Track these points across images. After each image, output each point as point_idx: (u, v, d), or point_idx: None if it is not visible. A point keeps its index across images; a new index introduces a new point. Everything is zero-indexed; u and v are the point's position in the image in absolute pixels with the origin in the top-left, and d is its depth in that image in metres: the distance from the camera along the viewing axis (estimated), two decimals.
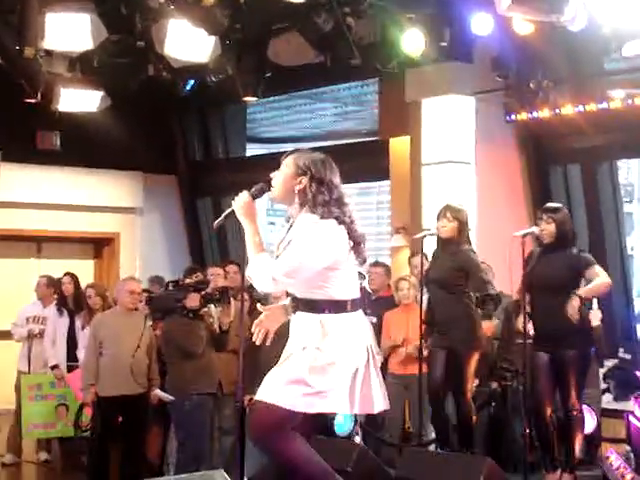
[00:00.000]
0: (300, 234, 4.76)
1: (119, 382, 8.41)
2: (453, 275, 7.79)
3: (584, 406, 7.68)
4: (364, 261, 4.97)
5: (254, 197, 4.92)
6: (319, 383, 4.66)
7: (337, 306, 4.78)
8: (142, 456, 8.77)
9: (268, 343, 5.11)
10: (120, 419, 8.58)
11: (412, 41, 9.12)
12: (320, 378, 4.66)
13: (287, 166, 4.90)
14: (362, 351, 4.76)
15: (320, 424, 5.31)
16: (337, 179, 4.90)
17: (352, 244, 4.83)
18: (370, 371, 4.78)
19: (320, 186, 4.81)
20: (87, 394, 8.62)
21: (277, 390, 4.71)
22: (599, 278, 7.35)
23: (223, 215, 5.05)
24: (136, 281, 9.07)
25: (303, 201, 4.83)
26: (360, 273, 5.05)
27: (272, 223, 15.91)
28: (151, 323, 8.95)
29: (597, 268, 7.39)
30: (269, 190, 4.95)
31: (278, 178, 4.92)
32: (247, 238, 4.87)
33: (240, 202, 4.90)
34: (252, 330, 5.11)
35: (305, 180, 4.83)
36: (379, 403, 4.84)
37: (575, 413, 7.35)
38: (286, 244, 4.83)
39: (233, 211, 4.94)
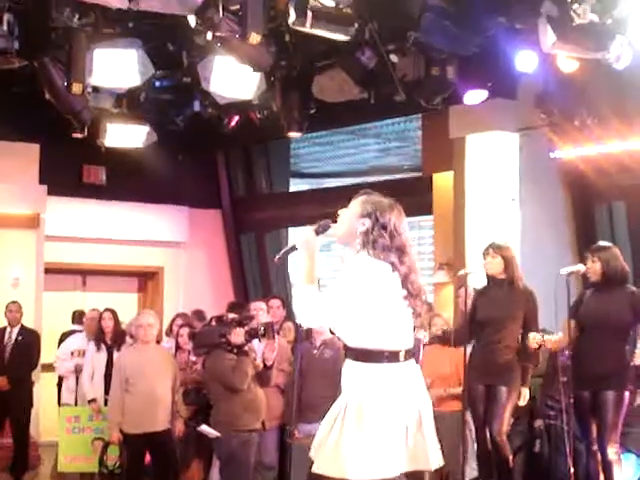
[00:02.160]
0: (349, 272, 4.69)
1: (145, 419, 8.44)
2: (516, 315, 7.76)
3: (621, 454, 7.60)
4: (419, 316, 4.83)
5: (317, 233, 4.84)
6: (370, 448, 4.54)
7: (382, 357, 4.67)
8: None
9: None
10: (148, 456, 8.60)
11: (461, 78, 9.12)
12: (369, 442, 4.55)
13: (354, 206, 4.83)
14: (411, 406, 4.65)
15: None
16: (402, 226, 4.80)
17: (406, 294, 4.72)
18: (423, 427, 4.66)
19: (382, 231, 4.72)
20: (114, 433, 8.64)
21: (332, 461, 4.59)
22: None
23: (285, 249, 5.00)
24: (149, 314, 9.09)
25: (363, 243, 4.74)
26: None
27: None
28: (194, 359, 8.99)
29: None
30: (331, 227, 4.88)
31: (343, 217, 4.86)
32: (302, 272, 4.78)
33: (303, 237, 4.82)
34: None
35: (368, 223, 4.74)
36: (435, 459, 4.70)
37: (612, 456, 7.27)
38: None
39: (294, 246, 4.87)
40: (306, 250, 4.79)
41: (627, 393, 7.36)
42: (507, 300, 7.82)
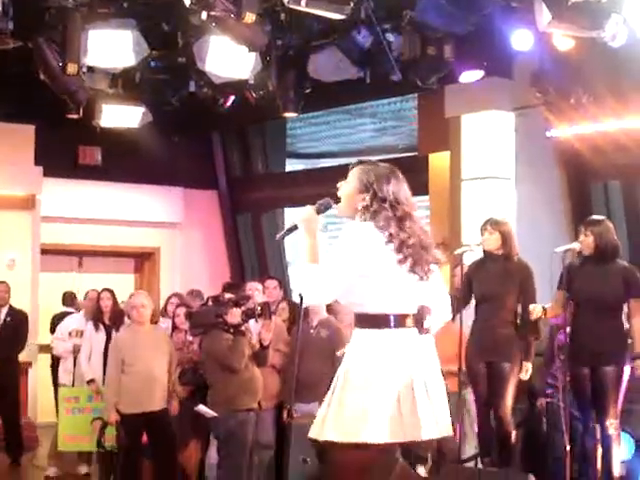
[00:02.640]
0: (340, 241, 4.66)
1: (142, 399, 8.46)
2: (513, 290, 7.77)
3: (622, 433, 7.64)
4: (420, 278, 4.76)
5: (318, 212, 4.80)
6: (349, 410, 4.53)
7: (373, 321, 4.65)
8: (179, 471, 8.81)
9: None
10: (145, 435, 8.63)
11: (456, 57, 9.11)
12: (350, 404, 4.54)
13: (352, 180, 4.81)
14: (403, 372, 4.59)
15: None
16: (403, 193, 4.79)
17: (401, 257, 4.66)
18: (416, 394, 4.58)
19: (383, 204, 4.70)
20: (111, 413, 8.66)
21: (337, 426, 4.57)
22: (636, 321, 7.41)
23: (286, 229, 4.95)
24: (141, 295, 9.10)
25: (364, 217, 4.73)
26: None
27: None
28: (191, 338, 9.00)
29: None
30: (332, 205, 4.85)
31: (343, 192, 4.84)
32: (304, 251, 4.74)
33: (304, 216, 4.78)
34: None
35: (367, 198, 4.73)
36: (428, 429, 4.61)
37: (612, 431, 7.30)
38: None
39: (296, 225, 4.83)
40: (307, 229, 4.75)
41: (627, 368, 7.38)
42: (503, 275, 7.83)
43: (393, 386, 4.56)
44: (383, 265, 4.65)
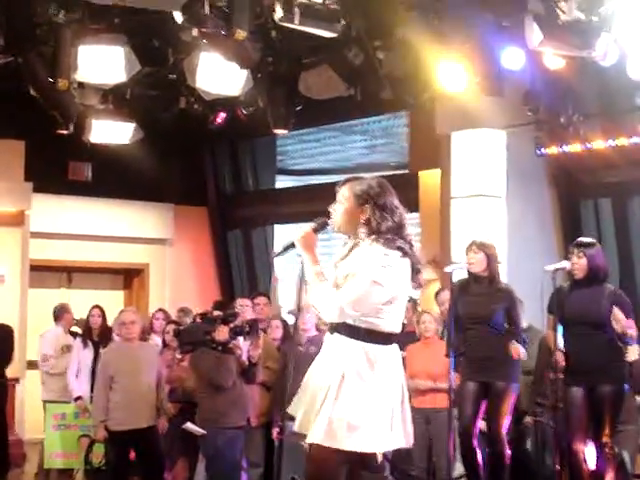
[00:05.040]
0: (366, 266, 4.70)
1: (131, 416, 8.42)
2: (500, 310, 7.76)
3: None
4: (419, 286, 4.95)
5: (316, 231, 4.88)
6: (364, 419, 4.62)
7: (382, 338, 4.75)
8: None
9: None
10: (133, 453, 8.59)
11: (447, 75, 9.09)
12: (364, 413, 4.62)
13: (346, 198, 4.87)
14: (398, 386, 4.75)
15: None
16: (396, 200, 4.92)
17: (411, 272, 4.82)
18: (404, 406, 4.77)
19: (383, 212, 4.80)
20: (99, 430, 8.62)
21: (326, 430, 4.65)
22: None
23: (283, 247, 5.00)
24: (130, 312, 9.08)
25: (368, 230, 4.80)
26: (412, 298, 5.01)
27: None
28: (179, 356, 8.97)
29: (632, 325, 7.41)
30: (329, 224, 4.92)
31: (339, 210, 4.89)
32: (307, 268, 4.81)
33: (301, 235, 4.85)
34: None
35: (368, 209, 4.80)
36: (409, 437, 4.82)
37: (607, 450, 7.28)
38: (348, 270, 4.77)
39: (293, 243, 4.89)
40: (305, 247, 4.82)
41: (626, 387, 7.37)
42: (488, 296, 7.83)
43: (389, 399, 4.70)
44: (403, 289, 4.82)
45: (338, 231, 4.94)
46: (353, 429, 4.60)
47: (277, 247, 5.15)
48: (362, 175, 5.05)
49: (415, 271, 4.84)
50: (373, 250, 4.74)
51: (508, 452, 7.75)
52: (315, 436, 4.68)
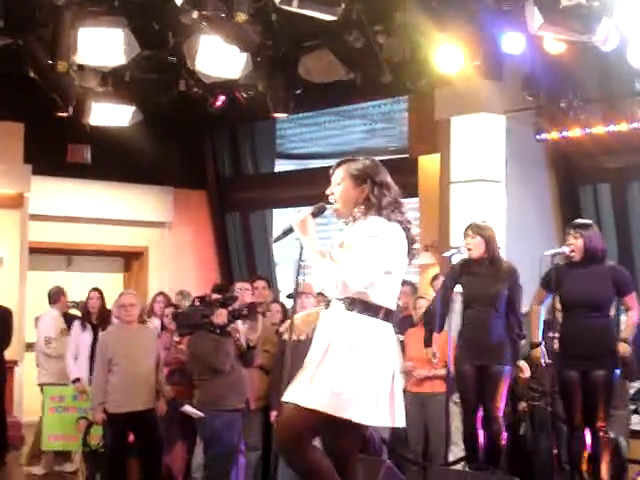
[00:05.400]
0: (368, 238, 4.70)
1: (129, 398, 8.43)
2: (502, 292, 7.77)
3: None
4: (414, 258, 4.93)
5: (314, 215, 4.86)
6: (347, 386, 4.59)
7: (371, 309, 4.72)
8: (165, 471, 8.79)
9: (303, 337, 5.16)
10: (131, 435, 8.61)
11: (447, 59, 9.10)
12: (348, 380, 4.59)
13: (343, 179, 4.87)
14: (389, 364, 4.71)
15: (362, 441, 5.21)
16: (388, 176, 4.91)
17: (408, 246, 4.82)
18: (394, 385, 4.73)
19: (381, 188, 4.80)
20: (97, 413, 8.64)
21: (305, 391, 4.64)
22: (632, 313, 7.43)
23: (282, 231, 5.00)
24: (130, 294, 9.08)
25: (368, 206, 4.80)
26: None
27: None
28: (177, 339, 8.98)
29: (634, 298, 7.46)
30: (327, 208, 4.91)
31: (338, 192, 4.89)
32: (308, 249, 4.79)
33: (299, 218, 4.84)
34: (282, 332, 5.09)
35: (367, 187, 4.81)
36: (400, 419, 4.76)
37: (602, 434, 7.31)
38: (348, 242, 4.76)
39: (291, 228, 4.88)
40: (303, 231, 4.82)
41: (617, 371, 7.38)
42: (490, 278, 7.80)
43: (376, 371, 4.66)
44: (400, 262, 4.80)
45: (337, 215, 4.92)
46: (334, 394, 4.57)
47: (276, 232, 5.16)
48: (353, 157, 5.03)
49: (411, 243, 4.85)
50: (374, 222, 4.74)
51: (504, 434, 7.77)
52: (293, 395, 4.68)
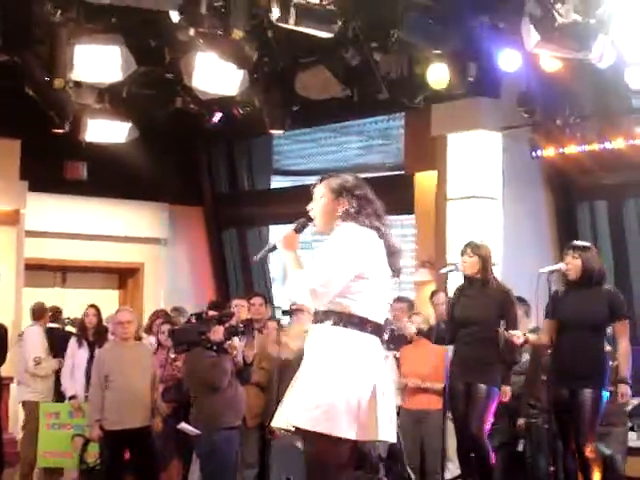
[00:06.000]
0: (334, 240, 4.71)
1: (125, 415, 8.41)
2: (494, 314, 7.77)
3: None
4: (398, 273, 4.88)
5: (297, 231, 4.88)
6: (321, 399, 4.55)
7: (355, 322, 4.67)
8: None
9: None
10: (128, 453, 8.58)
11: (437, 75, 9.13)
12: (323, 394, 4.55)
13: (323, 194, 4.86)
14: (370, 378, 4.63)
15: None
16: (372, 194, 4.89)
17: (387, 254, 4.78)
18: (377, 400, 4.62)
19: (360, 200, 4.80)
20: (93, 430, 8.62)
21: (282, 412, 4.67)
22: (621, 345, 7.41)
23: (265, 249, 5.03)
24: (127, 311, 9.07)
25: (345, 218, 4.79)
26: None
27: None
28: (173, 356, 8.96)
29: (625, 326, 7.45)
30: (309, 224, 4.91)
31: (317, 209, 4.89)
32: (289, 265, 4.80)
33: (284, 237, 4.86)
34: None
35: (345, 200, 4.80)
36: (385, 432, 4.66)
37: (589, 454, 7.28)
38: (318, 251, 4.76)
39: (274, 246, 4.90)
40: (287, 248, 4.83)
41: (605, 392, 7.35)
42: (482, 299, 7.83)
43: (358, 388, 4.59)
44: (376, 266, 4.74)
45: (318, 230, 4.93)
46: (308, 410, 4.55)
47: (258, 252, 5.15)
48: (334, 173, 5.01)
49: (391, 255, 4.80)
50: (343, 227, 4.76)
51: (492, 454, 7.76)
52: (276, 420, 4.73)
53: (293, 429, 4.64)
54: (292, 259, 4.80)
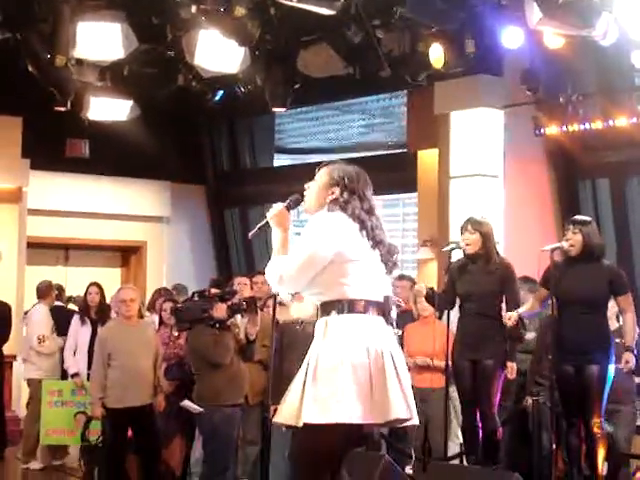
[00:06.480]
0: (309, 229, 4.72)
1: (127, 394, 8.43)
2: (495, 289, 7.77)
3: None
4: (391, 269, 4.85)
5: (288, 208, 4.89)
6: (323, 391, 4.52)
7: (349, 306, 4.66)
8: (163, 466, 8.78)
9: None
10: (130, 430, 8.61)
11: (435, 53, 9.11)
12: (324, 385, 4.53)
13: (321, 177, 4.87)
14: (369, 354, 4.58)
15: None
16: (369, 192, 4.87)
17: (372, 244, 4.75)
18: (387, 375, 4.58)
19: (352, 195, 4.78)
20: (96, 408, 8.65)
21: (283, 410, 4.66)
22: (627, 317, 7.43)
23: (258, 226, 5.04)
24: (130, 289, 9.08)
25: (333, 207, 4.79)
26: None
27: (298, 234, 15.94)
28: (176, 334, 8.97)
29: (629, 299, 7.46)
30: (303, 201, 4.92)
31: (311, 189, 4.89)
32: (274, 245, 4.84)
33: (274, 213, 4.87)
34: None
35: (337, 190, 4.79)
36: (397, 410, 4.59)
37: (596, 430, 7.29)
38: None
39: (268, 222, 4.90)
40: (278, 225, 4.85)
41: (611, 367, 7.36)
42: (484, 275, 7.81)
43: (364, 367, 4.56)
44: (358, 249, 4.71)
45: (308, 211, 4.91)
46: (334, 401, 4.51)
47: (253, 228, 5.16)
48: (343, 162, 5.00)
49: (377, 244, 4.77)
50: (322, 214, 4.77)
51: (500, 429, 7.77)
52: (279, 416, 4.71)
53: (301, 424, 4.56)
54: (279, 240, 4.82)
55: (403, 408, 4.62)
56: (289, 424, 4.64)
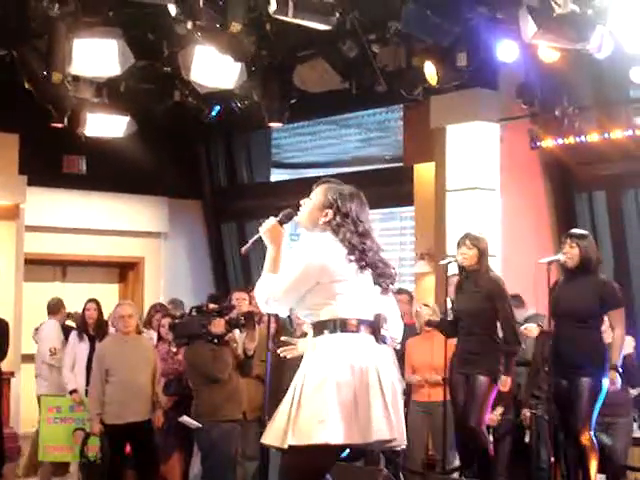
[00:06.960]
0: (298, 250, 4.74)
1: (126, 409, 8.44)
2: (483, 306, 7.77)
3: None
4: (386, 290, 4.84)
5: (281, 223, 4.89)
6: (307, 412, 4.51)
7: (341, 324, 4.65)
8: None
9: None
10: (128, 446, 8.60)
11: (429, 70, 9.13)
12: (308, 405, 4.52)
13: (316, 196, 4.86)
14: (354, 371, 4.56)
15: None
16: (364, 214, 4.85)
17: (362, 266, 4.71)
18: (370, 394, 4.55)
19: (345, 219, 4.77)
20: (94, 424, 8.65)
21: (270, 431, 4.66)
22: (617, 334, 7.43)
23: (251, 241, 5.05)
24: (128, 305, 9.09)
25: (325, 229, 4.80)
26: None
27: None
28: (175, 349, 8.96)
29: (619, 315, 7.46)
30: (296, 216, 4.92)
31: (306, 206, 4.89)
32: (266, 261, 4.84)
33: (267, 227, 4.86)
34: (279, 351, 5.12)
35: (330, 213, 4.79)
36: (379, 431, 4.56)
37: (585, 442, 7.29)
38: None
39: (261, 237, 4.90)
40: (271, 240, 4.85)
41: (605, 380, 7.35)
42: (473, 293, 7.85)
43: (349, 385, 4.55)
44: (344, 270, 4.70)
45: (300, 225, 4.92)
46: (318, 422, 4.49)
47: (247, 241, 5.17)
48: (341, 182, 4.98)
49: (377, 273, 4.77)
50: (313, 237, 4.79)
51: (491, 447, 7.77)
52: (267, 437, 4.70)
53: (286, 447, 4.55)
54: (271, 256, 4.82)
55: (385, 429, 4.58)
56: (275, 446, 4.65)
